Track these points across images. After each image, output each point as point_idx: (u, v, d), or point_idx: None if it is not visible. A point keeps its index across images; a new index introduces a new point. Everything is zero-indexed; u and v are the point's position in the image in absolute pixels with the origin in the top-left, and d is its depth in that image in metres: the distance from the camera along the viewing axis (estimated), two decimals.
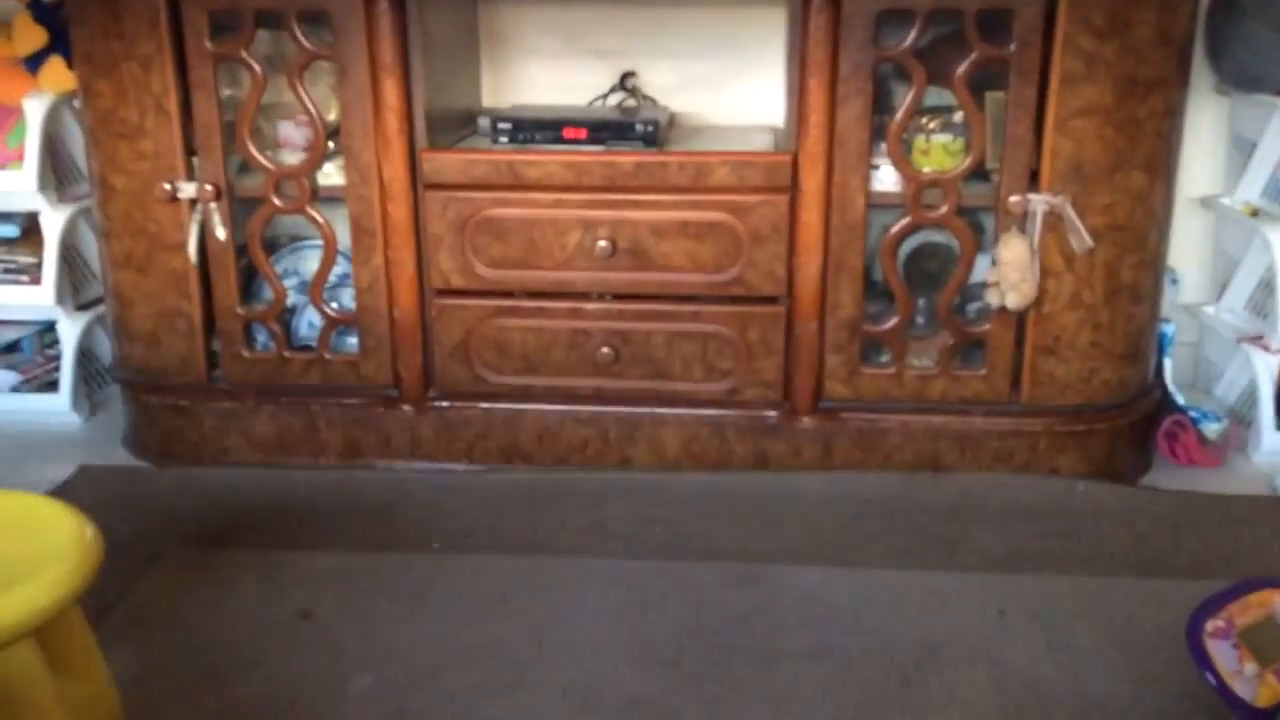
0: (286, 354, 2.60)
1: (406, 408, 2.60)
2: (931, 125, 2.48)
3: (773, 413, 2.54)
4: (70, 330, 2.88)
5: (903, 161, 2.39)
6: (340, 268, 2.58)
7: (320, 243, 2.55)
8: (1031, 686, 1.85)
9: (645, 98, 2.84)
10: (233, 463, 2.65)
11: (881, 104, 2.42)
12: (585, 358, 2.52)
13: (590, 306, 2.49)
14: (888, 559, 2.22)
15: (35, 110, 2.75)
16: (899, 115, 2.34)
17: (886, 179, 2.44)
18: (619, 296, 2.49)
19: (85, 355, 2.93)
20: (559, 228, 2.44)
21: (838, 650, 1.92)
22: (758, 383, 2.51)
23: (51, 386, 2.91)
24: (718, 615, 2.04)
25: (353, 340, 2.62)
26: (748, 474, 2.56)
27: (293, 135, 2.57)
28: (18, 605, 1.31)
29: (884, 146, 2.39)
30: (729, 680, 1.87)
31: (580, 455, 2.58)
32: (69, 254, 2.88)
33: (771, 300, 2.48)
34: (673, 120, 2.77)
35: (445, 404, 2.59)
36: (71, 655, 1.58)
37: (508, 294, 2.51)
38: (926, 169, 2.43)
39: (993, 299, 2.40)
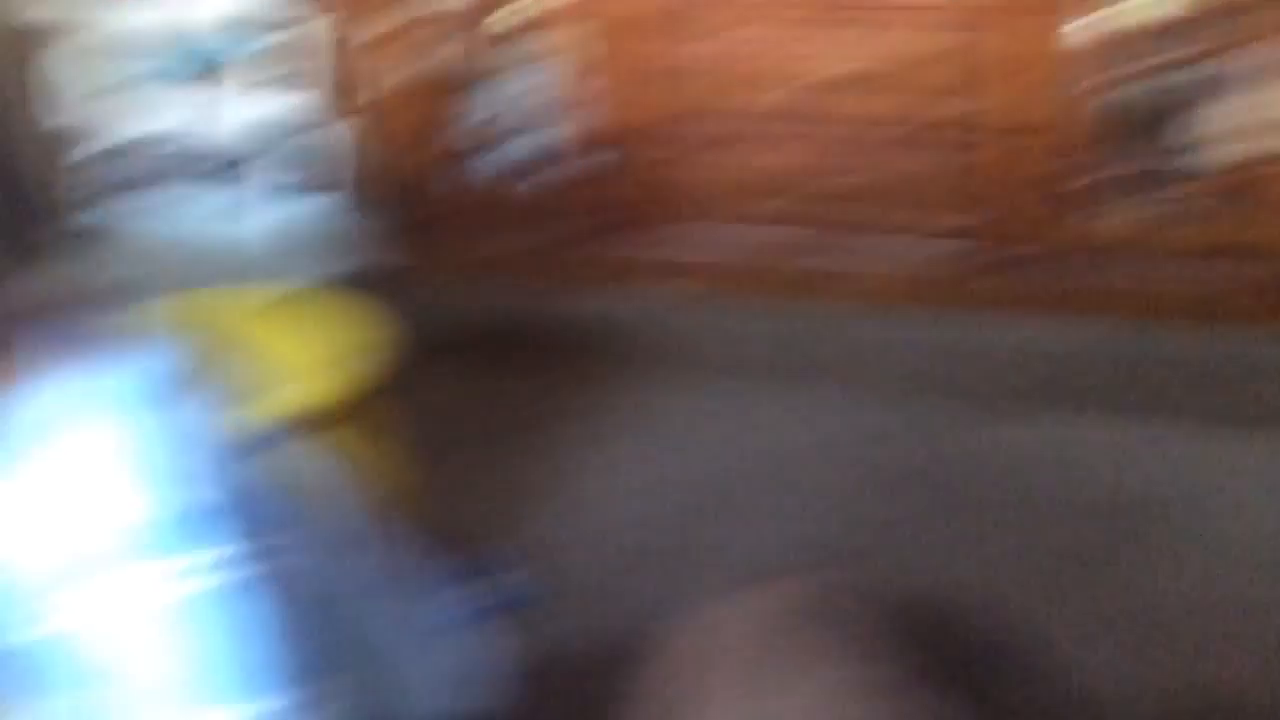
0: (511, 177, 2.54)
1: (641, 232, 2.47)
2: None
3: (1009, 251, 2.35)
4: (337, 135, 2.72)
5: None
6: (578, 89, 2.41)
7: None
8: (1259, 548, 1.81)
9: None
10: (483, 271, 2.58)
11: None
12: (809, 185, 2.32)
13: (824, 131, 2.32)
14: (1120, 410, 2.17)
15: None
16: None
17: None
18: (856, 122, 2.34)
19: (349, 159, 2.75)
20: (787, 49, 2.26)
21: (1060, 501, 1.92)
22: (999, 218, 2.34)
23: (322, 190, 2.79)
24: (945, 458, 2.03)
25: (588, 161, 2.45)
26: (982, 313, 2.40)
27: None
28: (330, 392, 1.50)
29: None
30: (948, 524, 1.86)
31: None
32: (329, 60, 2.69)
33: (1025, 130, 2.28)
34: None
35: (676, 227, 2.46)
36: (373, 436, 1.72)
37: (736, 118, 2.35)
38: None
39: (1246, 142, 2.24)
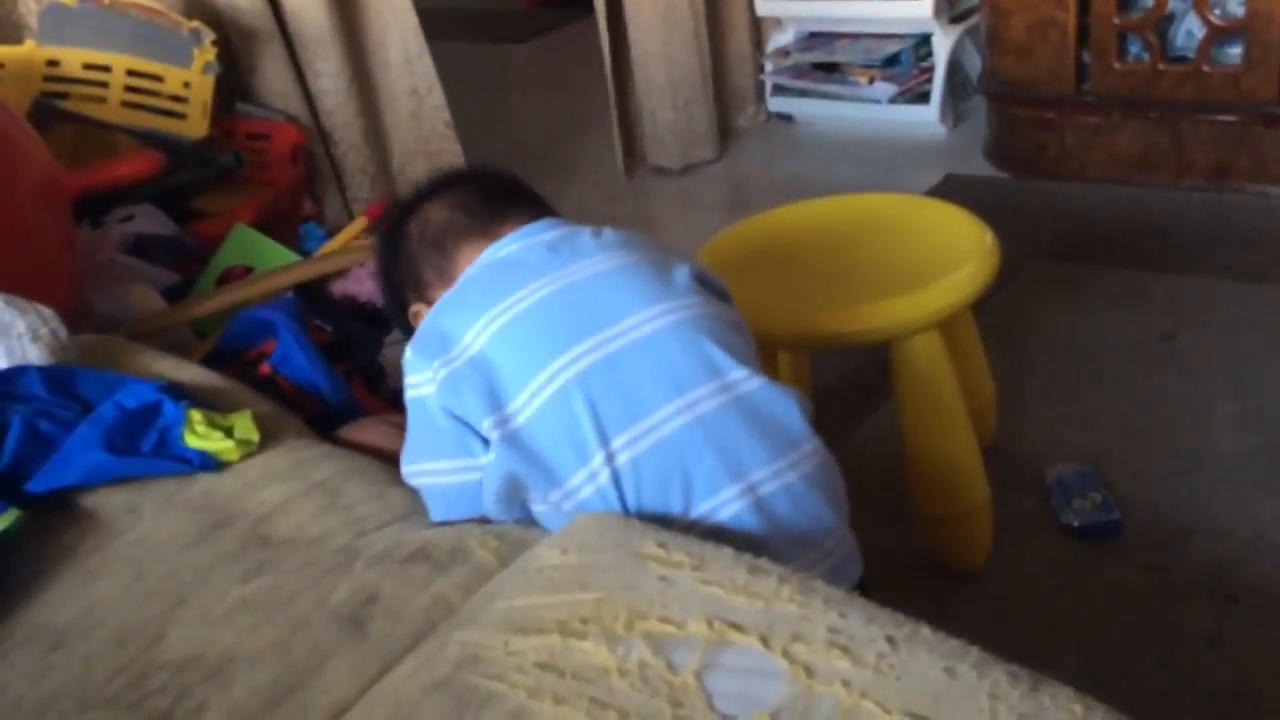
0: (1160, 66, 2.35)
1: None
2: None
3: None
4: (943, 42, 2.88)
5: None
6: None
7: None
8: None
9: None
10: (1092, 179, 2.50)
11: None
12: None
13: None
14: None
15: None
16: None
17: None
18: None
19: (954, 67, 2.93)
20: None
21: None
22: None
23: (923, 98, 2.93)
24: None
25: (1236, 51, 2.30)
26: None
27: None
28: (930, 300, 1.42)
29: None
30: None
31: None
32: None
33: None
34: None
35: None
36: (964, 344, 1.67)
37: None
38: None
39: None
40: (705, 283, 1.10)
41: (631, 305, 1.01)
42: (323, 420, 1.30)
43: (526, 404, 0.97)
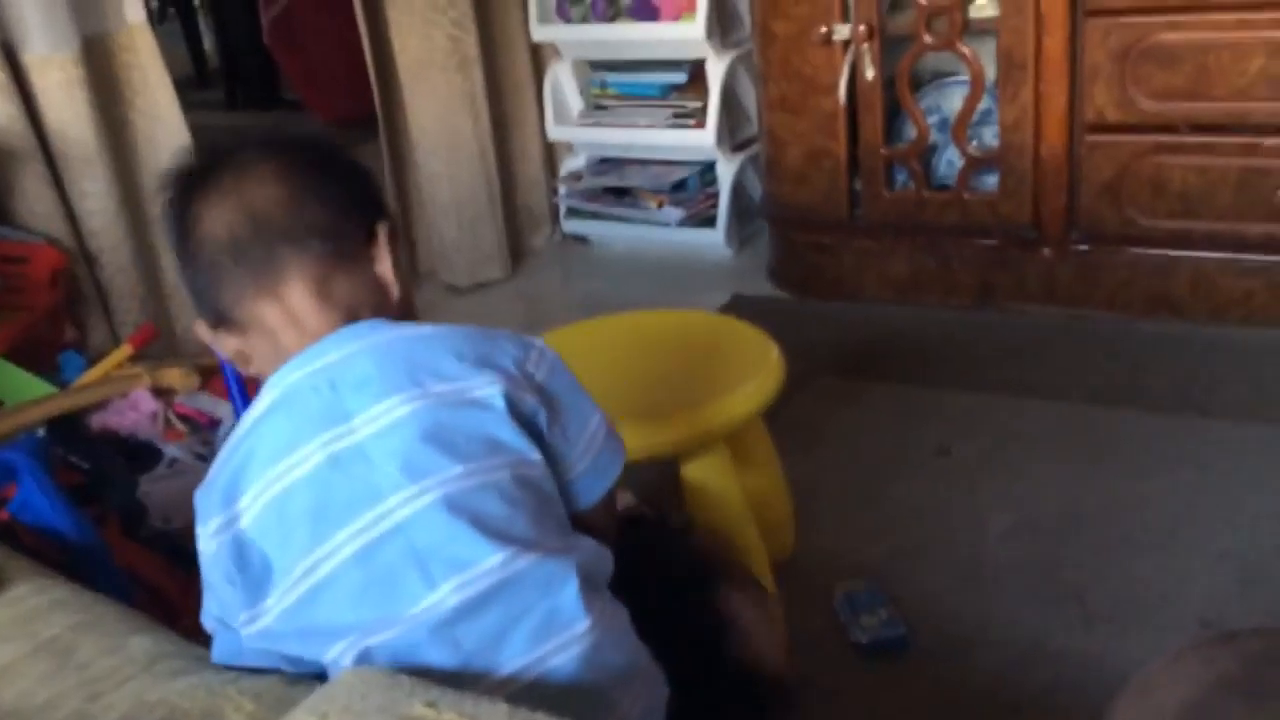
0: (925, 193, 2.49)
1: (1045, 250, 2.41)
2: None
3: None
4: (727, 170, 2.98)
5: None
6: (984, 104, 2.43)
7: (966, 78, 2.41)
8: None
9: None
10: (869, 299, 2.61)
11: None
12: (1258, 199, 2.21)
13: (1269, 142, 2.18)
14: None
15: None
16: None
17: None
18: None
19: (737, 193, 3.03)
20: (1239, 52, 2.14)
21: None
22: None
23: (710, 222, 3.02)
24: None
25: (992, 179, 2.46)
26: None
27: None
28: (719, 413, 1.47)
29: None
30: None
31: (1241, 309, 2.30)
32: (728, 98, 2.98)
33: None
34: None
35: (1087, 247, 2.38)
36: (758, 458, 1.70)
37: (1169, 129, 2.24)
38: None
39: None
40: (534, 393, 0.97)
41: (395, 483, 0.90)
42: (68, 569, 1.19)
43: (279, 601, 0.89)
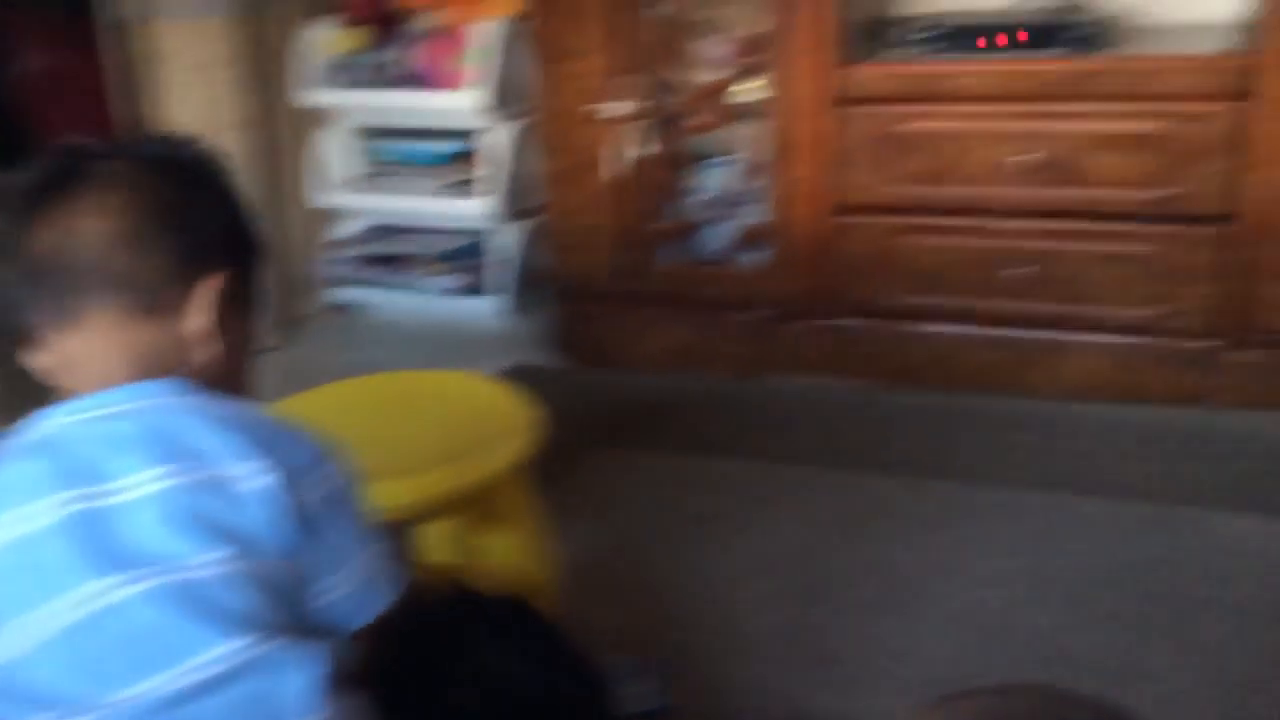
0: (695, 267, 2.58)
1: (805, 323, 2.52)
2: None
3: (1201, 343, 2.32)
4: (507, 239, 2.96)
5: None
6: (749, 184, 2.54)
7: (732, 159, 2.52)
8: None
9: None
10: (644, 368, 2.65)
11: None
12: (993, 278, 2.37)
13: (1004, 225, 2.35)
14: None
15: (484, 34, 2.79)
16: None
17: None
18: (1037, 214, 2.33)
19: (518, 263, 3.02)
20: (977, 142, 2.30)
21: (1263, 606, 1.73)
22: (1187, 310, 2.29)
23: (489, 291, 3.00)
24: (1126, 557, 1.87)
25: (758, 255, 2.56)
26: (1165, 408, 2.33)
27: (712, 53, 2.54)
28: (466, 472, 1.47)
29: None
30: (1135, 625, 1.70)
31: (979, 380, 2.45)
32: (508, 169, 2.95)
33: (1213, 219, 2.25)
34: (1110, 20, 2.42)
35: (843, 321, 2.50)
36: (510, 517, 1.69)
37: (916, 211, 2.39)
38: None
39: None
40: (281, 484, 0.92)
41: (126, 560, 0.85)
42: None
43: None
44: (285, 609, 0.91)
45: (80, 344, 0.93)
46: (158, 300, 0.96)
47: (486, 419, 1.58)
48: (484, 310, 2.99)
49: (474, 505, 1.51)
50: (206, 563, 0.88)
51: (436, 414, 1.63)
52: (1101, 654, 1.65)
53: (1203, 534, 1.92)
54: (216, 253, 1.00)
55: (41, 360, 0.96)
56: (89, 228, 0.94)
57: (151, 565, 0.86)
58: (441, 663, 1.17)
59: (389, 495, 1.31)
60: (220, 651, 0.86)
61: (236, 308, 1.00)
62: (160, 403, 0.93)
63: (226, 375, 1.00)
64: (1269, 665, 1.61)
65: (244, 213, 1.04)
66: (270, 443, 0.93)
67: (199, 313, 0.96)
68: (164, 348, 0.96)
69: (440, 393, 1.71)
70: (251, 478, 0.91)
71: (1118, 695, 1.52)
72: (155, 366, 0.94)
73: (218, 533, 0.89)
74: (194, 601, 0.87)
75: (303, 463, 0.95)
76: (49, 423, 0.91)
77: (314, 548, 0.93)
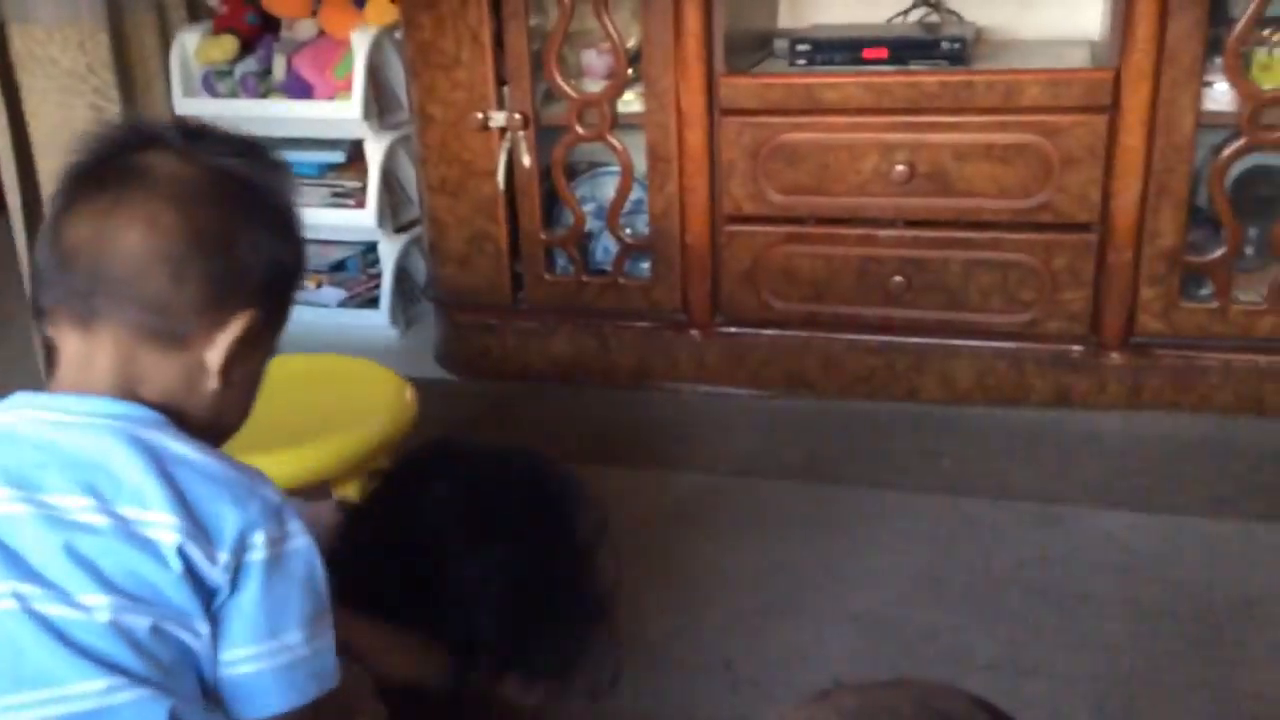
0: (584, 278, 2.58)
1: (694, 333, 2.55)
2: (1276, 38, 2.25)
3: (1077, 347, 2.40)
4: (389, 251, 2.95)
5: (1240, 78, 2.19)
6: (636, 194, 2.56)
7: (618, 169, 2.52)
8: None
9: (949, 13, 2.61)
10: (534, 380, 2.65)
11: (1218, 15, 2.22)
12: (875, 286, 2.43)
13: (883, 233, 2.41)
14: (1199, 506, 2.08)
15: (361, 43, 2.77)
16: (1238, 27, 2.14)
17: (1219, 97, 2.25)
18: (915, 223, 2.40)
19: (402, 274, 3.02)
20: (855, 152, 2.36)
21: (1143, 599, 1.81)
22: (1062, 315, 2.38)
23: (372, 303, 3.00)
24: (1012, 555, 1.94)
25: (645, 265, 2.59)
26: (1045, 410, 2.42)
27: (595, 63, 2.56)
28: (338, 448, 1.59)
29: (1219, 61, 2.21)
30: (1025, 622, 1.77)
31: (866, 385, 2.50)
32: (389, 179, 2.96)
33: (1082, 228, 2.33)
34: (979, 36, 2.54)
35: (731, 330, 2.53)
36: None
37: (798, 221, 2.44)
38: (1267, 86, 2.21)
39: None
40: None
41: (16, 576, 0.83)
42: None
43: None
44: (166, 664, 0.85)
45: (81, 344, 0.91)
46: (176, 329, 0.93)
47: (362, 395, 1.72)
48: (372, 323, 2.96)
49: (355, 478, 1.59)
50: (87, 605, 0.84)
51: (314, 393, 1.74)
52: (995, 650, 1.70)
53: (1088, 531, 2.00)
54: (253, 291, 0.96)
55: (49, 339, 0.93)
56: (131, 241, 0.90)
57: (46, 588, 0.83)
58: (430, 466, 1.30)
59: (271, 467, 1.27)
60: (78, 689, 0.82)
61: (251, 351, 0.96)
62: (119, 427, 0.89)
63: (218, 415, 0.96)
64: (1159, 658, 1.67)
65: (294, 248, 0.99)
66: (210, 498, 0.89)
67: (213, 350, 0.93)
68: (164, 376, 0.93)
69: (317, 373, 1.85)
70: (163, 530, 0.86)
71: (1011, 690, 1.61)
72: (146, 390, 0.92)
73: (105, 579, 0.84)
74: (60, 635, 0.83)
75: (259, 523, 0.90)
76: (12, 411, 0.91)
77: (228, 614, 0.88)
